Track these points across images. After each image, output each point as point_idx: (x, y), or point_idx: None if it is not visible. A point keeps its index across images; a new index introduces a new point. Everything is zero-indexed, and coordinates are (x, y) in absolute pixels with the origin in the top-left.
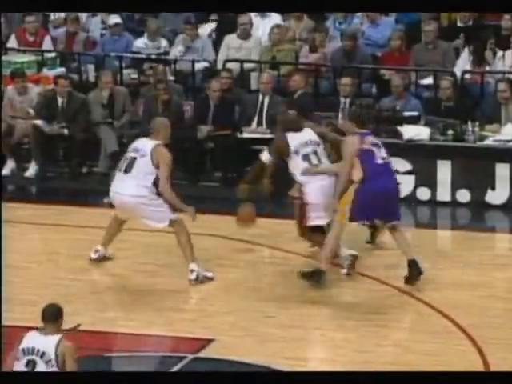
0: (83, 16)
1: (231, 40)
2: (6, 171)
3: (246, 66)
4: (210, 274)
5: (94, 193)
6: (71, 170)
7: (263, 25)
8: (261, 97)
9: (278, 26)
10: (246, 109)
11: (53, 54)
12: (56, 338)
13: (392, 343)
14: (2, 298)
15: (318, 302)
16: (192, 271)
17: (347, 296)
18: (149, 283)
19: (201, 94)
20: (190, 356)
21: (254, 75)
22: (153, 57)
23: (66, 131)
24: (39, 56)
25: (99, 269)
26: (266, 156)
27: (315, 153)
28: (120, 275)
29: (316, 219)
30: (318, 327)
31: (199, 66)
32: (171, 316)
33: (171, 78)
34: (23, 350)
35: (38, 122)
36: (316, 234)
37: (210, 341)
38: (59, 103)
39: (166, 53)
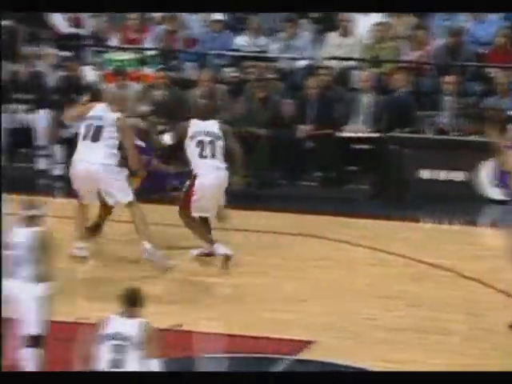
0: (183, 14)
1: (332, 37)
2: None
3: (347, 63)
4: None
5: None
6: None
7: (364, 22)
8: (361, 95)
9: (379, 23)
10: (347, 107)
11: (153, 52)
12: (140, 320)
13: (492, 346)
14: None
15: (418, 305)
16: (146, 250)
17: (449, 298)
18: (245, 284)
19: (300, 92)
20: (291, 358)
21: (354, 73)
22: (253, 55)
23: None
24: (140, 54)
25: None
26: (166, 138)
27: (211, 143)
28: (215, 275)
29: (199, 210)
30: (419, 329)
31: (299, 63)
32: (271, 317)
33: (272, 75)
34: (107, 335)
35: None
36: (195, 223)
37: (310, 342)
38: (158, 97)
39: (267, 51)
